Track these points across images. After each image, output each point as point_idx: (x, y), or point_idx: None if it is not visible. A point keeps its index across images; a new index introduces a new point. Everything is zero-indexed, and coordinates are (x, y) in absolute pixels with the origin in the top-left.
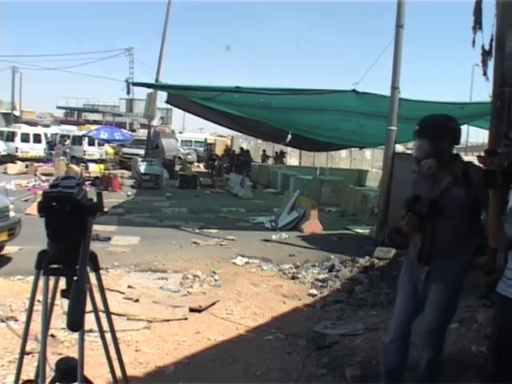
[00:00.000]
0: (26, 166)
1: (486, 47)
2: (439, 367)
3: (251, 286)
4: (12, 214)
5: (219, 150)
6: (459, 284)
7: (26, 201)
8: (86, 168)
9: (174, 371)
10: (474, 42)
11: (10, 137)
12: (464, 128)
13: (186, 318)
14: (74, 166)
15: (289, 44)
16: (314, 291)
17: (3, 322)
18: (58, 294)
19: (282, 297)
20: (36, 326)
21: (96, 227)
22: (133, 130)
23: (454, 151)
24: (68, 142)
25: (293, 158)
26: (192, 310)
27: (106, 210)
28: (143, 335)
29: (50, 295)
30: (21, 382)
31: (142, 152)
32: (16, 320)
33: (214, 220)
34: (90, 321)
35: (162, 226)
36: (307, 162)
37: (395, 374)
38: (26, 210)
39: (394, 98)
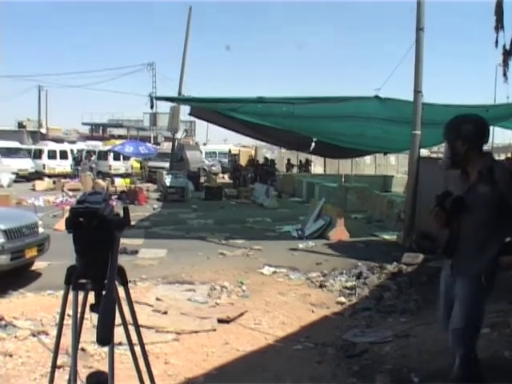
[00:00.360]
0: (54, 183)
1: (508, 47)
2: (474, 369)
3: (279, 295)
4: (41, 230)
5: (243, 161)
6: (481, 281)
7: (54, 216)
8: (112, 182)
9: (203, 383)
10: (496, 41)
11: (38, 154)
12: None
13: (214, 329)
14: (100, 181)
15: (309, 52)
16: (342, 299)
17: (34, 336)
18: (88, 308)
19: (310, 305)
20: (67, 340)
21: (123, 240)
22: (157, 144)
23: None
24: (94, 157)
25: (317, 166)
26: (220, 320)
27: (132, 223)
28: (172, 347)
29: (79, 309)
30: None
31: (167, 165)
32: (47, 334)
33: (240, 230)
34: (119, 334)
35: (189, 238)
36: (332, 170)
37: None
38: (55, 225)
39: (417, 102)
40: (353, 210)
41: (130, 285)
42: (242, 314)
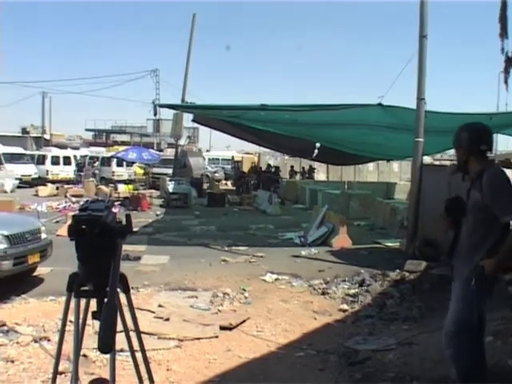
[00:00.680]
0: (57, 188)
1: (510, 55)
2: (476, 377)
3: (281, 302)
4: (44, 235)
5: (246, 167)
6: (471, 285)
7: (57, 222)
8: (115, 189)
9: None
10: (502, 49)
11: (41, 160)
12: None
13: (216, 336)
14: (104, 187)
15: (311, 58)
16: (345, 306)
17: (36, 342)
18: (90, 315)
19: (312, 313)
20: (69, 346)
21: (126, 247)
22: (160, 150)
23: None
24: (97, 163)
25: (320, 172)
26: (222, 327)
27: (135, 229)
28: (174, 354)
29: (81, 316)
30: None
31: (170, 171)
32: (49, 340)
33: (242, 237)
34: (121, 340)
35: (191, 245)
36: (335, 177)
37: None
38: (57, 231)
39: (420, 109)
40: (356, 217)
41: (132, 291)
42: (244, 321)
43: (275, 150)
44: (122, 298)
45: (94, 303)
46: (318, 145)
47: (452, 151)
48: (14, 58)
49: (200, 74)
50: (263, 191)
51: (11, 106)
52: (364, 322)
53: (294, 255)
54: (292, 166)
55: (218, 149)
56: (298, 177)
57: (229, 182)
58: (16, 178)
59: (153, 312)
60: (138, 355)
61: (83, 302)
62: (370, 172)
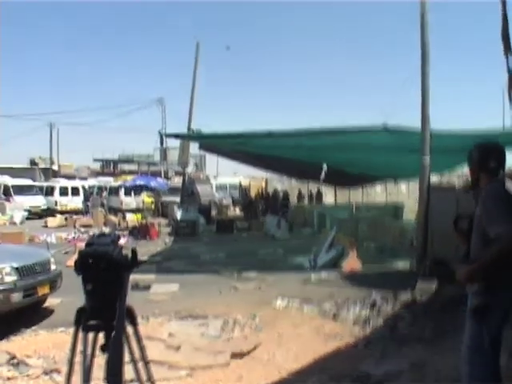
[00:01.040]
0: (66, 219)
1: None
2: None
3: (292, 327)
4: (53, 266)
5: (253, 193)
6: (476, 310)
7: (66, 253)
8: (124, 218)
9: None
10: (508, 66)
11: (50, 191)
12: None
13: (228, 364)
14: (112, 217)
15: (316, 81)
16: (356, 330)
17: (47, 374)
18: (98, 348)
19: (323, 337)
20: (79, 378)
21: (135, 276)
22: (168, 178)
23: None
24: (105, 193)
25: (328, 195)
26: (234, 355)
27: (144, 258)
28: (185, 383)
29: (89, 349)
30: None
31: (178, 199)
32: (59, 372)
33: (252, 263)
34: (130, 371)
35: (201, 272)
36: (343, 200)
37: None
38: (67, 262)
39: (425, 129)
40: (365, 238)
41: (142, 320)
42: (255, 348)
43: (282, 175)
44: (131, 329)
45: (101, 336)
46: (324, 166)
47: (462, 170)
48: (20, 90)
49: (206, 98)
50: (271, 216)
51: (19, 137)
52: (376, 344)
53: (303, 279)
54: (300, 190)
55: (226, 175)
56: (305, 201)
57: (237, 208)
58: (25, 210)
59: (163, 341)
60: None
61: (91, 335)
62: (377, 194)
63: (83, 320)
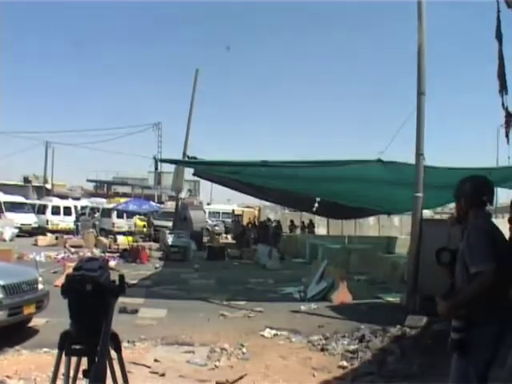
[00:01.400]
0: (56, 238)
1: (511, 109)
2: None
3: (280, 358)
4: (40, 286)
5: (246, 221)
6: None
7: (54, 272)
8: (115, 240)
9: None
10: (503, 104)
11: (42, 209)
12: None
13: None
14: (103, 239)
15: (311, 112)
16: (344, 363)
17: None
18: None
19: (311, 369)
20: None
21: (124, 299)
22: (161, 203)
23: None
24: (97, 214)
25: (321, 226)
26: None
27: (134, 282)
28: None
29: (72, 374)
30: None
31: (171, 224)
32: None
33: (241, 291)
34: None
35: (190, 299)
36: (335, 231)
37: None
38: (55, 281)
39: (418, 164)
40: (356, 271)
41: (128, 345)
42: (241, 378)
43: (276, 203)
44: (115, 354)
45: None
46: (318, 199)
47: (452, 205)
48: (17, 108)
49: (202, 125)
50: (263, 245)
51: (14, 155)
52: (364, 379)
53: (293, 310)
54: (292, 221)
55: (219, 202)
56: (297, 231)
57: (229, 236)
58: (16, 227)
59: (149, 367)
60: None
61: (75, 359)
62: (370, 226)
63: (67, 344)
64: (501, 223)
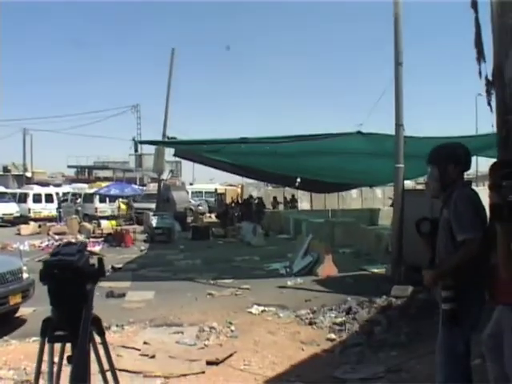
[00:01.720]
0: (39, 226)
1: (490, 77)
2: None
3: (268, 334)
4: (25, 275)
5: (229, 200)
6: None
7: (39, 261)
8: (99, 225)
9: None
10: (480, 73)
11: (23, 198)
12: (473, 157)
13: (203, 372)
14: (87, 224)
15: (289, 86)
16: (333, 335)
17: None
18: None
19: (299, 344)
20: None
21: (110, 284)
22: (143, 185)
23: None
24: (79, 200)
25: (304, 201)
26: (209, 362)
27: (119, 266)
28: None
29: (57, 360)
30: None
31: (154, 206)
32: None
33: (228, 270)
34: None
35: (176, 279)
36: (318, 205)
37: None
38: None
39: (398, 135)
40: (340, 244)
41: (117, 329)
42: (231, 355)
43: (258, 181)
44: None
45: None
46: (298, 179)
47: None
48: None
49: (182, 105)
50: (247, 223)
51: None
52: (352, 350)
53: (279, 286)
54: (275, 197)
55: (202, 181)
56: (281, 207)
57: (213, 215)
58: None
59: (138, 349)
60: None
61: (59, 345)
62: (353, 199)
63: (49, 331)
64: (481, 190)
